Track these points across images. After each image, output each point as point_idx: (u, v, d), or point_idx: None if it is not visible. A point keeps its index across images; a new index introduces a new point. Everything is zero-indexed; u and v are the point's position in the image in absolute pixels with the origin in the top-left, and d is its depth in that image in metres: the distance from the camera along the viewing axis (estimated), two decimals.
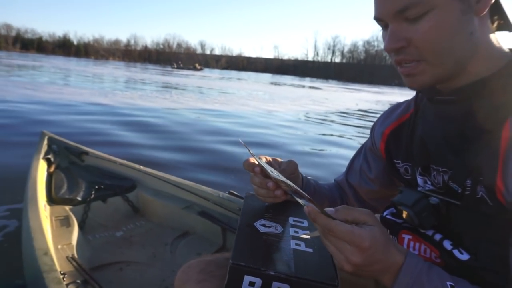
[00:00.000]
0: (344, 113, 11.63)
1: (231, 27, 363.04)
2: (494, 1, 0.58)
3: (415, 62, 0.60)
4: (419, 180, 0.73)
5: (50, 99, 8.14)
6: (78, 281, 1.43)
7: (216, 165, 4.00)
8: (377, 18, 0.61)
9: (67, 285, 1.22)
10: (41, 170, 1.98)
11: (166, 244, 1.83)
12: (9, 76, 14.20)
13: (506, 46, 0.64)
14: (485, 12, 0.58)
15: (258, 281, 0.60)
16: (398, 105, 0.85)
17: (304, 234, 0.71)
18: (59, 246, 1.59)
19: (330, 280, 0.60)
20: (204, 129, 6.27)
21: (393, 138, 0.81)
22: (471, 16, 0.57)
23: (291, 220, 0.77)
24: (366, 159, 0.93)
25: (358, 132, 7.70)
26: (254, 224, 0.75)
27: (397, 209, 0.73)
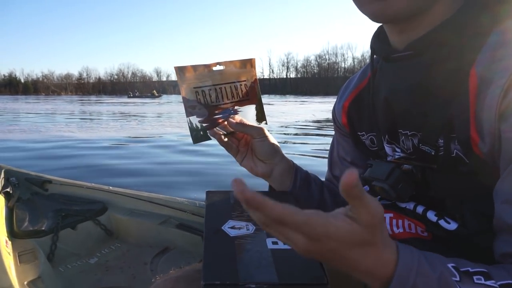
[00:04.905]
0: (301, 124, 12.46)
1: (184, 52, 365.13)
2: None
3: None
4: (387, 149, 0.66)
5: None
6: None
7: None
8: None
9: None
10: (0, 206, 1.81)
11: (146, 263, 1.73)
12: None
13: None
14: None
15: None
16: (353, 76, 0.78)
17: None
18: (25, 282, 1.46)
19: (318, 279, 0.53)
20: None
21: (354, 109, 0.73)
22: None
23: None
24: (340, 145, 0.84)
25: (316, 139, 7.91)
26: (222, 228, 0.66)
27: (370, 185, 0.64)
